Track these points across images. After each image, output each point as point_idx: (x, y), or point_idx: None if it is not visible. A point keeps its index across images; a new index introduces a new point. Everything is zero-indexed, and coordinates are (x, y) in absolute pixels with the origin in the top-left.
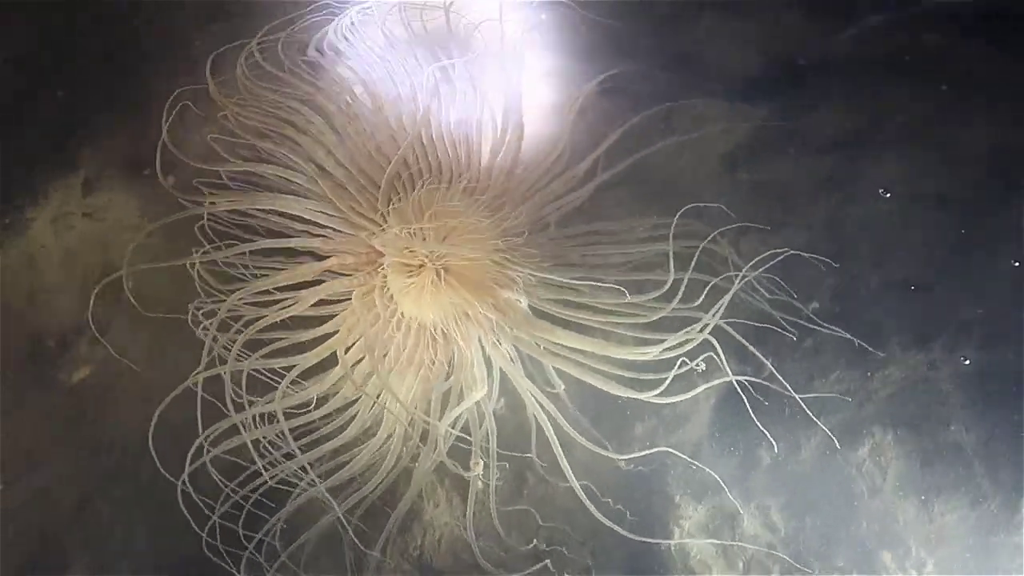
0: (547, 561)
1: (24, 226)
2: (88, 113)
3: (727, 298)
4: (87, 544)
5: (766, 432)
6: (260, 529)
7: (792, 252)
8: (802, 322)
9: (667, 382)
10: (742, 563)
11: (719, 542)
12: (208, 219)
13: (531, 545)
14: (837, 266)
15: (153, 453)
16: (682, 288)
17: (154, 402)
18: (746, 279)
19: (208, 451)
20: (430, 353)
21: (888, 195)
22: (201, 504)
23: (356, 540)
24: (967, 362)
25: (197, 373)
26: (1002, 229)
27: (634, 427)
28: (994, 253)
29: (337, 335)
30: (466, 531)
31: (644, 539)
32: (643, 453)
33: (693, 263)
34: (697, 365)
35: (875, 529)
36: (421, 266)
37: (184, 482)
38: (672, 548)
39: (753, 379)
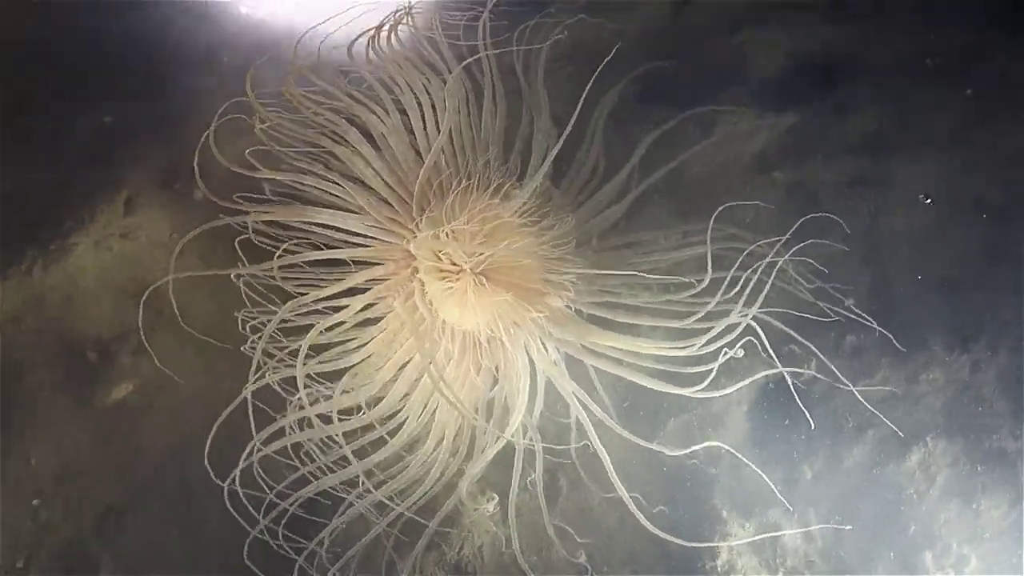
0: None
1: (68, 251)
2: (128, 133)
3: (768, 283)
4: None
5: (811, 420)
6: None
7: (828, 246)
8: (840, 312)
9: (712, 375)
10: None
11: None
12: (244, 234)
13: (580, 559)
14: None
15: (208, 466)
16: (725, 284)
17: (197, 415)
18: (780, 264)
19: (257, 451)
20: (476, 360)
21: (929, 201)
22: (251, 510)
23: (393, 554)
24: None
25: (253, 381)
26: None
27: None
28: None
29: (382, 339)
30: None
31: (693, 544)
32: (694, 448)
33: (738, 263)
34: (737, 352)
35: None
36: (460, 271)
37: (235, 481)
38: (718, 566)
39: (799, 370)
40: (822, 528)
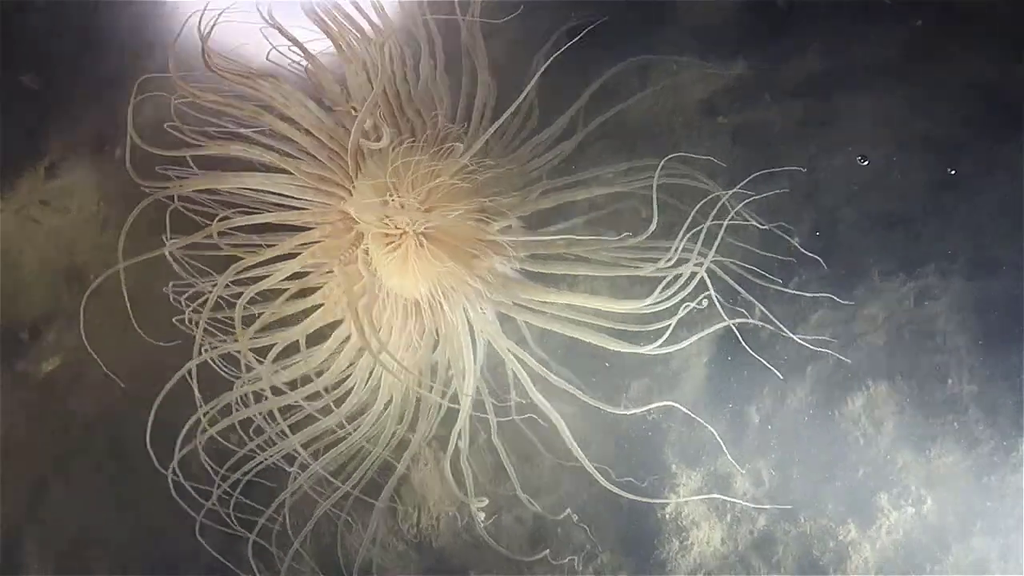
0: (547, 552)
1: None
2: (54, 100)
3: (722, 230)
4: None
5: (772, 368)
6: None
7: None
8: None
9: (670, 330)
10: (730, 516)
11: (712, 496)
12: (175, 203)
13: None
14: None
15: (149, 447)
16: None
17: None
18: (732, 214)
19: (202, 430)
20: (418, 324)
21: (867, 162)
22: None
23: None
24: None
25: (200, 354)
26: (984, 165)
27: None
28: (979, 189)
29: (323, 308)
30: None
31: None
32: (646, 408)
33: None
34: (698, 304)
35: (869, 473)
36: (402, 234)
37: (176, 469)
38: (667, 514)
39: (749, 320)
40: (770, 473)
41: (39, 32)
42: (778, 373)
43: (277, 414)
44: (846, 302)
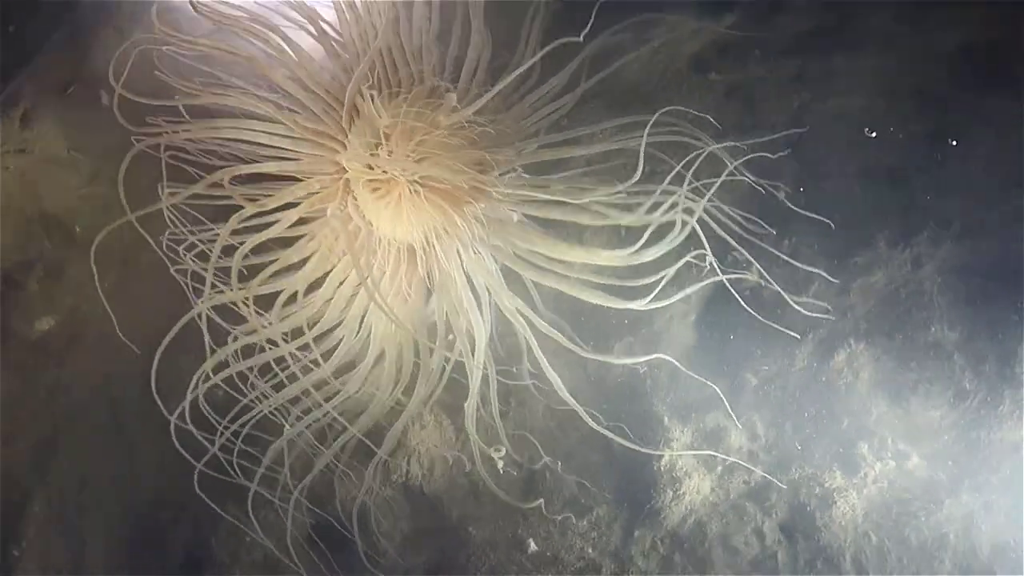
0: (541, 501)
1: None
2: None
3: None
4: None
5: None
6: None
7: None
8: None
9: (662, 284)
10: (720, 468)
11: (703, 453)
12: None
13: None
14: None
15: (156, 395)
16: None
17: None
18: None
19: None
20: (410, 272)
21: (874, 134)
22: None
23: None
24: None
25: (202, 302)
26: (975, 122)
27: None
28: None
29: (318, 256)
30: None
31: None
32: (642, 359)
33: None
34: (693, 257)
35: (854, 426)
36: (389, 180)
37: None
38: (662, 466)
39: (744, 275)
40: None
41: None
42: (794, 333)
43: (274, 365)
44: (834, 279)
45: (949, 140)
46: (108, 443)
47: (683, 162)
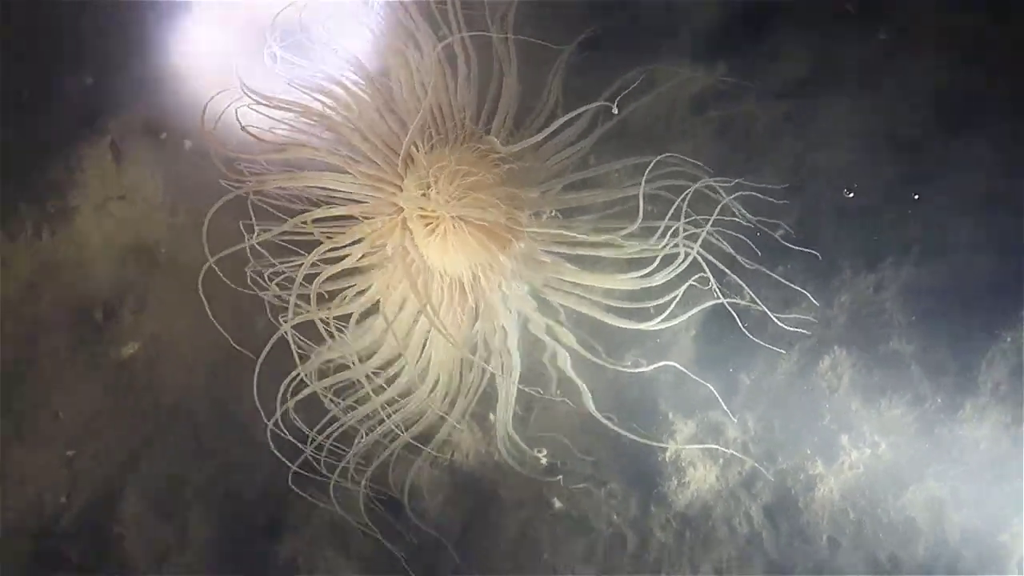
0: (560, 477)
1: (69, 215)
2: (112, 92)
3: (710, 221)
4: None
5: (762, 343)
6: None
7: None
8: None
9: (672, 306)
10: (722, 459)
11: (706, 447)
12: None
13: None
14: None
15: (256, 402)
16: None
17: (201, 363)
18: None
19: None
20: (460, 301)
21: (852, 195)
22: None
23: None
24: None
25: (288, 323)
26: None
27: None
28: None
29: (382, 284)
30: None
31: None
32: (651, 367)
33: (687, 198)
34: (695, 281)
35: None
36: (438, 218)
37: (279, 423)
38: (667, 457)
39: (738, 301)
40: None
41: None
42: (779, 350)
43: (364, 380)
44: (817, 302)
45: (916, 175)
46: (189, 444)
47: (683, 197)
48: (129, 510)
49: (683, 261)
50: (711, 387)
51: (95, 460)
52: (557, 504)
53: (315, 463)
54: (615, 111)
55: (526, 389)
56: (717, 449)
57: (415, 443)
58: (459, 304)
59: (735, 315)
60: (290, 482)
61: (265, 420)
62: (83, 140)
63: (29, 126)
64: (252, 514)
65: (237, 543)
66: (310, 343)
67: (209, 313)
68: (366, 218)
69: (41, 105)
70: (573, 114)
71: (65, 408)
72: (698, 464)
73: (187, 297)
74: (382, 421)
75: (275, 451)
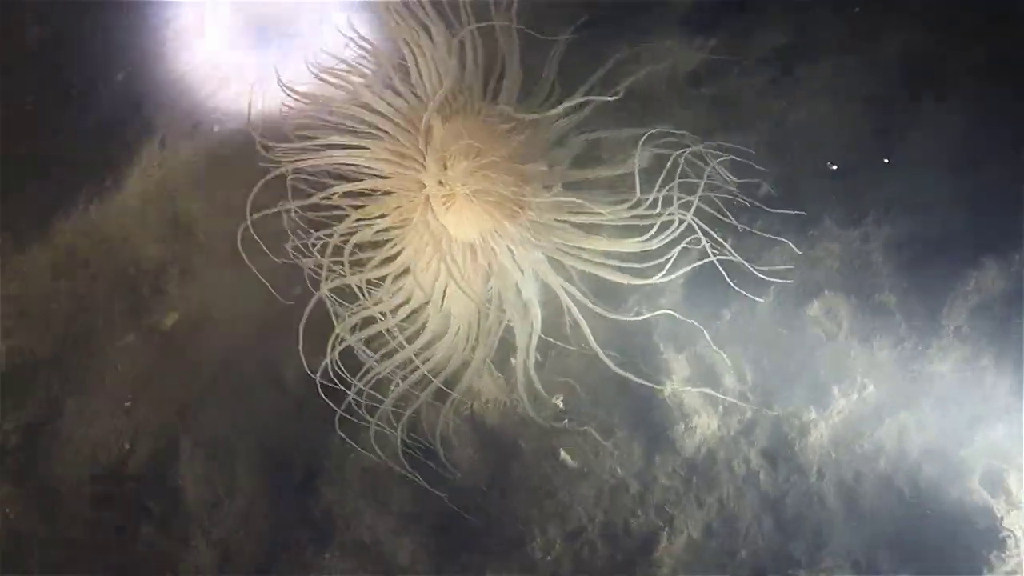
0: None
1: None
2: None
3: (702, 184)
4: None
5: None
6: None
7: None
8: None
9: (669, 264)
10: (722, 407)
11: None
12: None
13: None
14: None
15: (303, 359)
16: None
17: (242, 327)
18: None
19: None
20: (476, 262)
21: (835, 167)
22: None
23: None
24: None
25: (325, 288)
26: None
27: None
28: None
29: (408, 251)
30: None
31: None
32: (649, 315)
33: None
34: (688, 244)
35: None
36: (453, 194)
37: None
38: (667, 397)
39: (725, 257)
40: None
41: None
42: (756, 298)
43: (396, 330)
44: (799, 251)
45: (890, 136)
46: (235, 400)
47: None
48: (183, 459)
49: (677, 227)
50: (704, 331)
51: (151, 410)
52: (565, 453)
53: (356, 409)
54: (614, 97)
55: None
56: (716, 396)
57: (444, 388)
58: (473, 265)
59: (723, 271)
60: (337, 427)
61: (310, 373)
62: (130, 127)
63: (79, 116)
64: (291, 464)
65: (280, 492)
66: (344, 303)
67: (255, 272)
68: (391, 192)
69: (88, 98)
70: (580, 99)
71: (122, 363)
72: (701, 412)
73: (225, 269)
74: (413, 369)
75: (324, 398)
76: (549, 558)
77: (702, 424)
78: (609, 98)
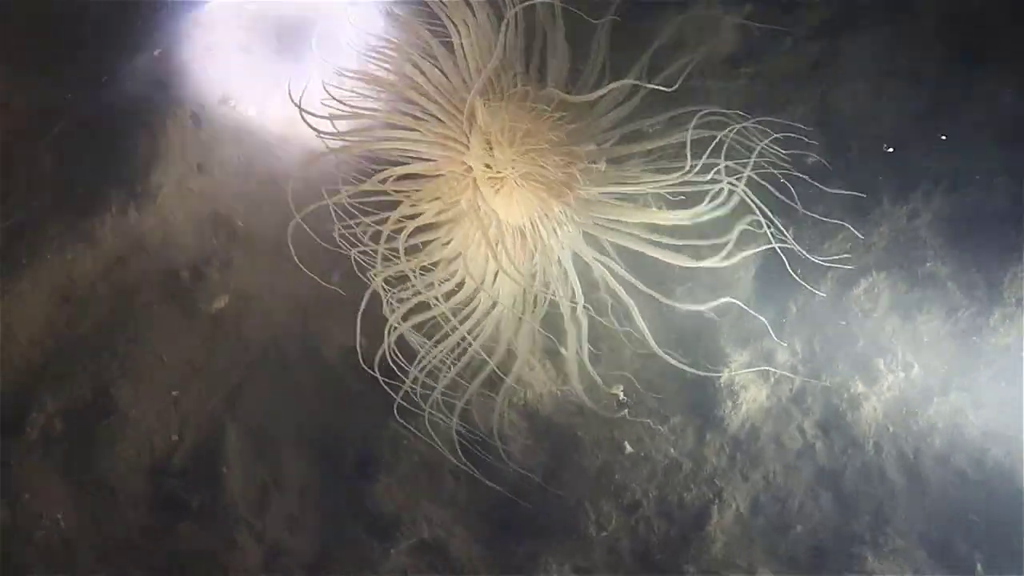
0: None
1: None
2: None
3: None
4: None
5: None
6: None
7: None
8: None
9: (729, 245)
10: (772, 379)
11: (757, 369)
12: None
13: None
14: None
15: (358, 347)
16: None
17: (283, 313)
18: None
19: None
20: (522, 243)
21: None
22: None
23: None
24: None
25: (379, 278)
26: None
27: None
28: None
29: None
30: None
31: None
32: (711, 304)
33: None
34: (754, 225)
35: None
36: (502, 177)
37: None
38: (721, 384)
39: (790, 245)
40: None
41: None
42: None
43: (449, 315)
44: (860, 235)
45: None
46: (282, 385)
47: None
48: (231, 449)
49: (728, 197)
50: (763, 319)
51: (199, 400)
52: (625, 442)
53: (412, 397)
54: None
55: (595, 316)
56: (768, 371)
57: (498, 372)
58: (521, 248)
59: (784, 259)
60: (396, 414)
61: (363, 364)
62: (164, 114)
63: (110, 107)
64: (343, 453)
65: (331, 483)
66: (390, 289)
67: (296, 259)
68: (437, 175)
69: (118, 85)
70: (617, 84)
71: (166, 352)
72: (751, 387)
73: (266, 257)
74: (465, 356)
75: (386, 387)
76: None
77: (748, 399)
78: (665, 88)
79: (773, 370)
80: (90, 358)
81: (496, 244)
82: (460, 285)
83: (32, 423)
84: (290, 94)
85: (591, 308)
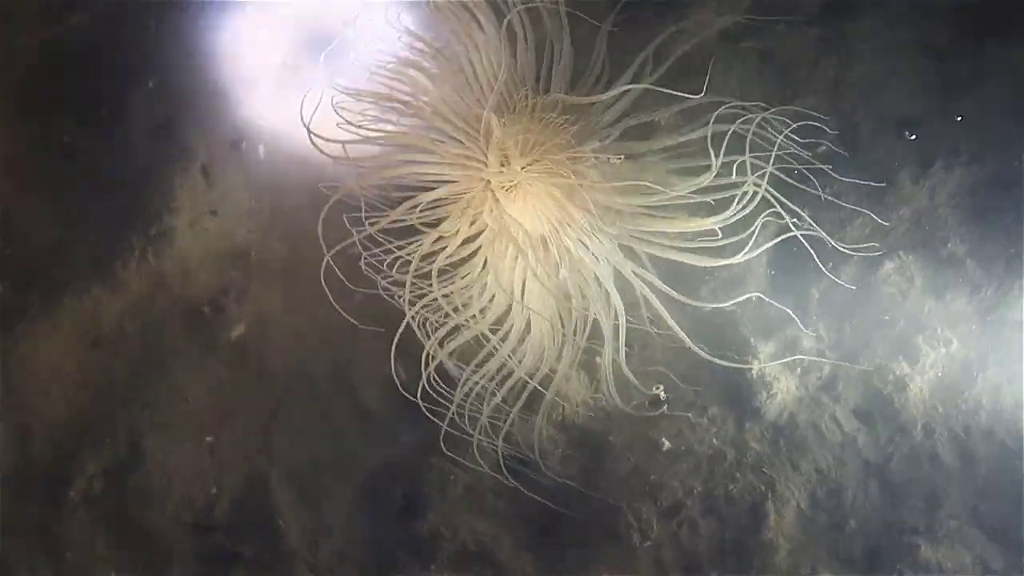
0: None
1: (170, 235)
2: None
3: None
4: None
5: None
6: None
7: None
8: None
9: (750, 244)
10: (800, 368)
11: (785, 360)
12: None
13: (659, 390)
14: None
15: (394, 371)
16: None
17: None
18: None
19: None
20: (548, 255)
21: (914, 137)
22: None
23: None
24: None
25: (403, 298)
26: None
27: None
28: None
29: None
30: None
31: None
32: (736, 300)
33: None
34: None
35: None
36: (515, 185)
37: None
38: (754, 374)
39: (809, 232)
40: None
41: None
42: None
43: (486, 334)
44: (882, 221)
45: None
46: (314, 415)
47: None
48: (273, 495)
49: (752, 197)
50: (788, 310)
51: (232, 443)
52: (662, 438)
53: (458, 423)
54: (682, 94)
55: (630, 320)
56: (801, 359)
57: (540, 388)
58: (547, 258)
59: (809, 248)
60: (443, 446)
61: (403, 391)
62: (174, 163)
63: (117, 149)
64: (388, 489)
65: (378, 520)
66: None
67: (325, 287)
68: (461, 195)
69: (119, 119)
70: (629, 87)
71: (193, 393)
72: (781, 377)
73: (282, 287)
74: (507, 376)
75: (430, 416)
76: (648, 544)
77: (782, 388)
78: (670, 90)
79: (806, 358)
80: (121, 407)
81: (525, 249)
82: (491, 301)
83: (75, 486)
84: (303, 121)
85: (633, 319)
